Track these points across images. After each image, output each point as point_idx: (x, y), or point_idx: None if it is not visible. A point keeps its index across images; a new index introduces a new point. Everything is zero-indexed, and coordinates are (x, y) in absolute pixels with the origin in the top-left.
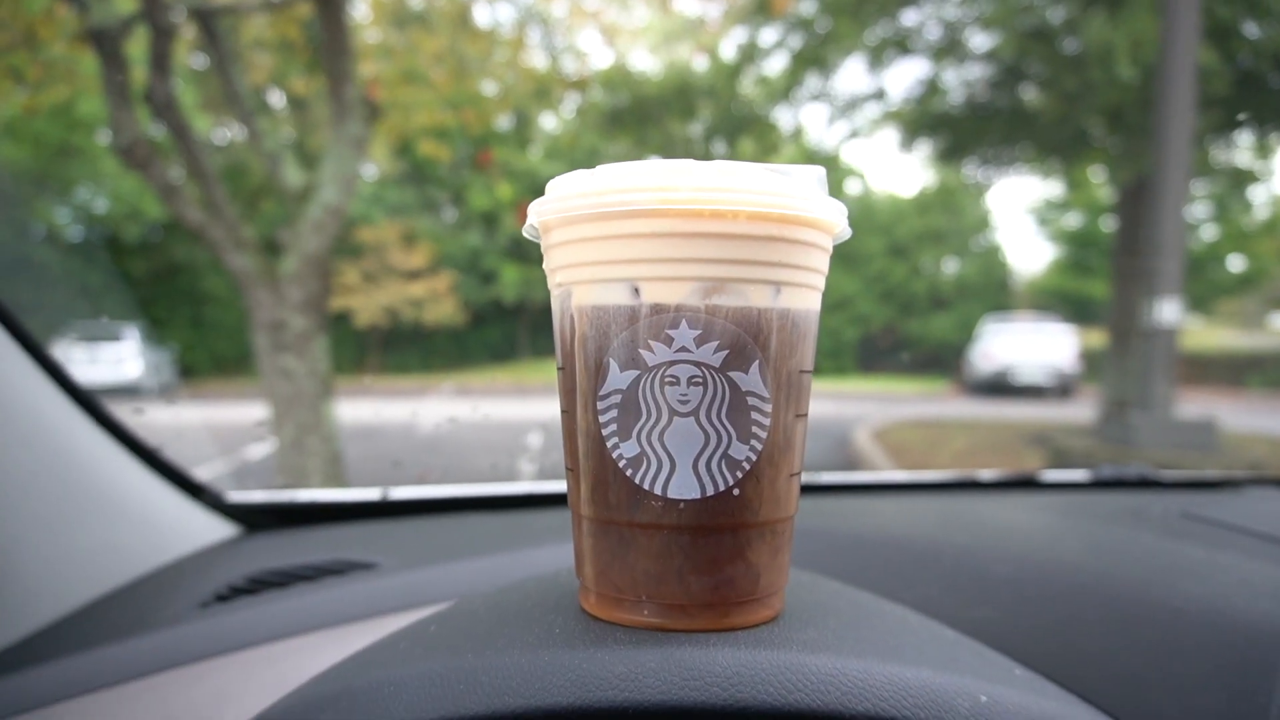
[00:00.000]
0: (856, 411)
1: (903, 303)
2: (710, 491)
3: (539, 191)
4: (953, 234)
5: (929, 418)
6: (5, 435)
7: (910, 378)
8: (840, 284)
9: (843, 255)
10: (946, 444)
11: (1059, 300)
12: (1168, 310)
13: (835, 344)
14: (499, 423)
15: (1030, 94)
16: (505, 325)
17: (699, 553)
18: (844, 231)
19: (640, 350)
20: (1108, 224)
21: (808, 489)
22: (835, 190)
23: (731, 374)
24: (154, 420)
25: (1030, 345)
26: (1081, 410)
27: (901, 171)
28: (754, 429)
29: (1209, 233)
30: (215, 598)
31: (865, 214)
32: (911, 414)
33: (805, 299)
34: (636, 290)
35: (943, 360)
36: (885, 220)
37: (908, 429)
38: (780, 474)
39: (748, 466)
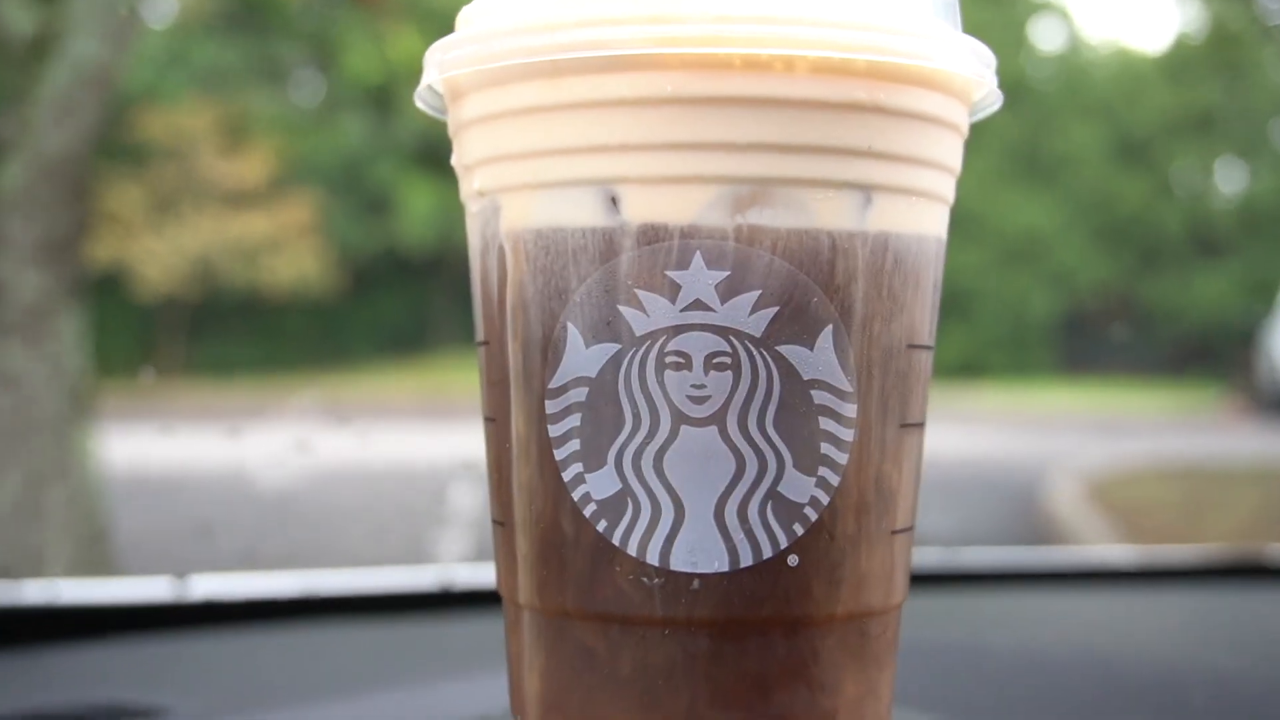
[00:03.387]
0: (1054, 446)
1: (1141, 248)
2: (747, 560)
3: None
4: (1235, 120)
5: (1189, 459)
6: None
7: (1153, 384)
8: (1018, 210)
9: (1023, 157)
10: (1223, 508)
11: None
12: None
13: (1012, 322)
14: (399, 464)
15: None
16: (411, 293)
17: (727, 671)
18: (991, 98)
19: (621, 308)
20: None
21: (954, 577)
22: (998, 30)
23: (784, 349)
24: None
25: None
26: None
27: (1141, 9)
28: (825, 449)
29: None
30: None
31: (1070, 83)
32: (1157, 452)
33: (919, 218)
34: (614, 201)
35: (1214, 352)
36: (1108, 96)
37: (1150, 481)
38: (875, 529)
39: (814, 516)
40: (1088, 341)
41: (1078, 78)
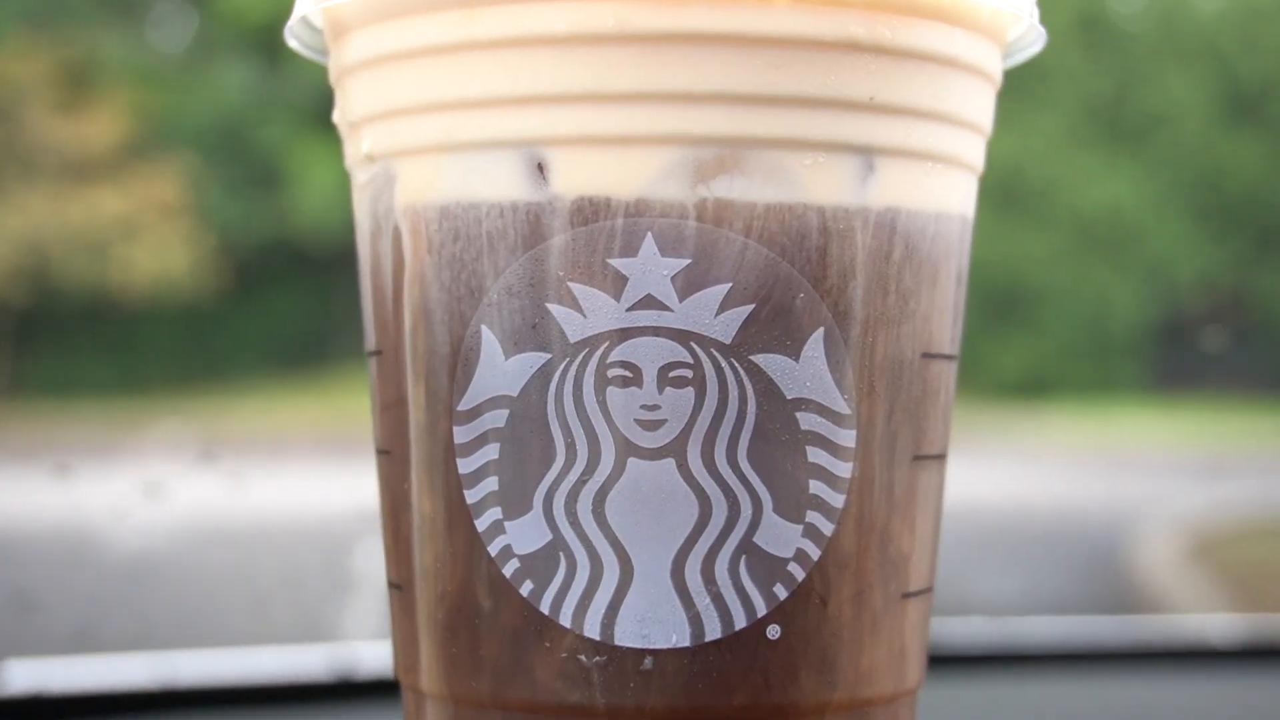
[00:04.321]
0: (1143, 490)
1: (1257, 232)
2: (714, 632)
3: None
4: None
5: None
6: None
7: (1272, 408)
8: (1097, 184)
9: (1105, 116)
10: None
11: None
12: None
13: (1089, 328)
14: (289, 515)
15: None
16: (309, 293)
17: None
18: (1030, 35)
19: (551, 307)
20: None
21: (1005, 657)
22: None
23: (761, 360)
24: None
25: None
26: None
27: None
28: (814, 488)
29: None
30: None
31: (1166, 21)
32: (1277, 498)
33: (936, 190)
34: (541, 168)
35: None
36: (1215, 37)
37: (1270, 536)
38: (881, 593)
39: (800, 575)
40: (1188, 353)
41: (1176, 13)
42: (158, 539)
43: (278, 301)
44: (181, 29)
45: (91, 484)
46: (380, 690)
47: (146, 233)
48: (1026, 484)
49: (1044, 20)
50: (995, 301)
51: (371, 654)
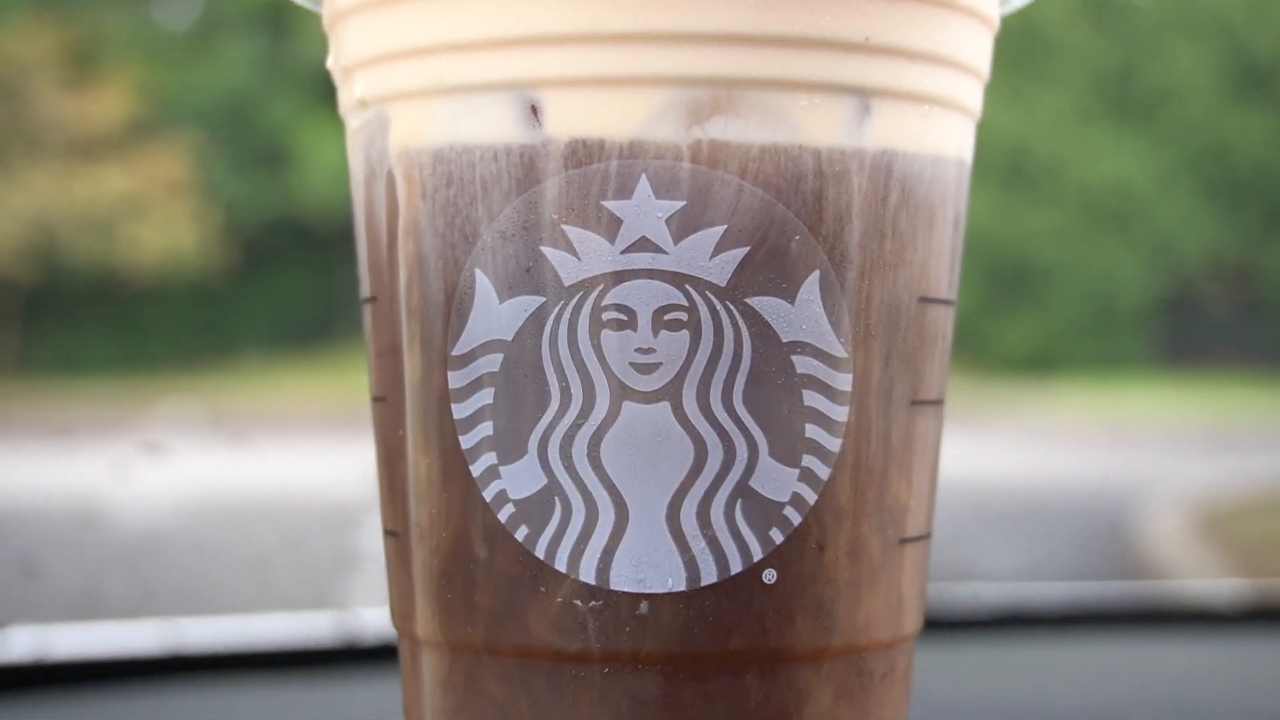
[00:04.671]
0: (1150, 464)
1: (1265, 207)
2: (710, 576)
3: None
4: None
5: None
6: None
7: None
8: (1105, 159)
9: (1113, 89)
10: None
11: None
12: None
13: (1096, 303)
14: (295, 487)
15: None
16: (314, 270)
17: None
18: None
19: (545, 250)
20: None
21: (1012, 619)
22: None
23: (757, 303)
24: None
25: None
26: None
27: None
28: (810, 432)
29: None
30: None
31: None
32: None
33: (933, 133)
34: (535, 110)
35: None
36: (1223, 10)
37: (1275, 511)
38: (878, 538)
39: (797, 519)
40: (1194, 328)
41: None
42: (163, 511)
43: (283, 279)
44: (187, 6)
45: (96, 457)
46: (386, 655)
47: (153, 211)
48: (1033, 459)
49: None
50: (1002, 277)
51: (377, 620)
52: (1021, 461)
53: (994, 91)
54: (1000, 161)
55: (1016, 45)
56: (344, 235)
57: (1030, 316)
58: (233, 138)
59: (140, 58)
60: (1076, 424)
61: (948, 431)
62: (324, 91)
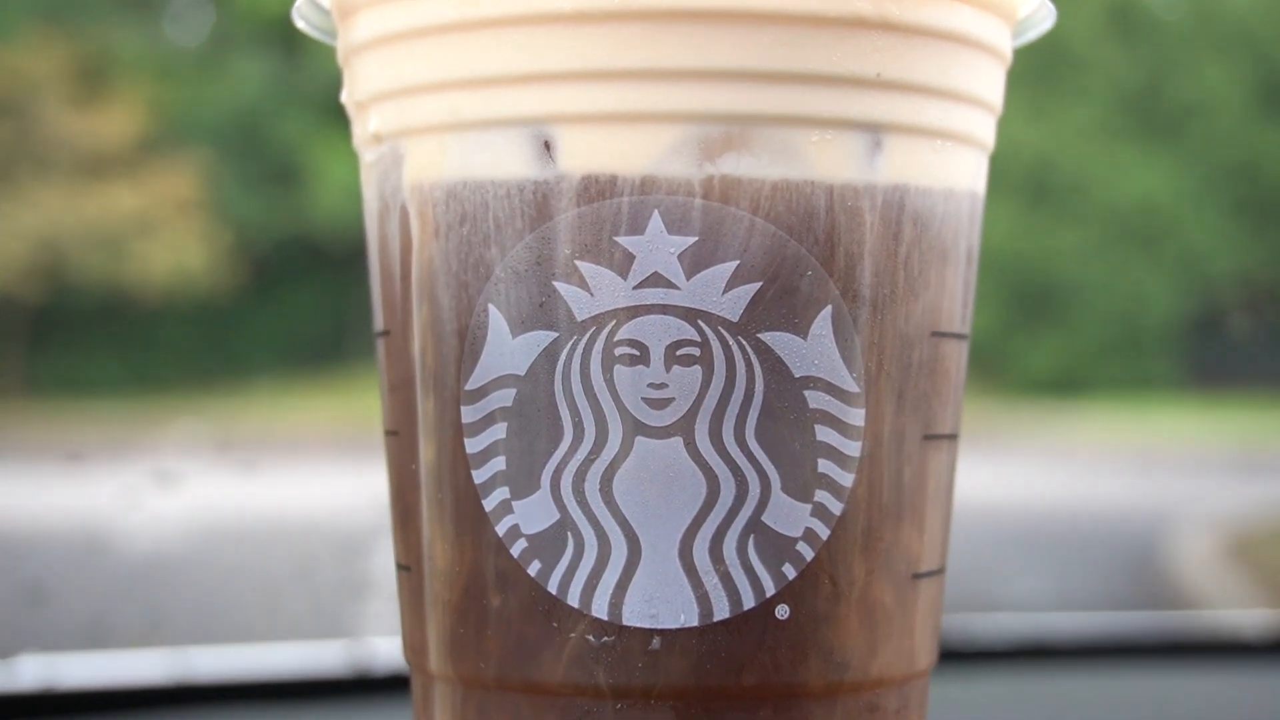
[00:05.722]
0: (1180, 489)
1: None
2: (723, 611)
3: None
4: None
5: None
6: None
7: None
8: (1131, 177)
9: (1139, 106)
10: None
11: None
12: None
13: (1123, 324)
14: (307, 513)
15: None
16: (327, 290)
17: None
18: (1041, 13)
19: (558, 285)
20: None
21: (1034, 651)
22: None
23: (769, 338)
24: None
25: None
26: None
27: None
28: (823, 467)
29: None
30: None
31: (1200, 10)
32: None
33: (945, 167)
34: (548, 146)
35: None
36: (1250, 26)
37: None
38: (892, 572)
39: (810, 554)
40: (1224, 349)
41: (1211, 1)
42: (173, 537)
43: (294, 299)
44: (198, 23)
45: (105, 481)
46: (398, 685)
47: (162, 229)
48: (1059, 482)
49: (1077, 9)
50: (1027, 297)
51: (388, 650)
52: (1046, 485)
53: (1017, 107)
54: (1024, 178)
55: (1040, 60)
56: (356, 254)
57: (1055, 337)
58: (243, 155)
59: (150, 74)
60: (1102, 446)
61: (969, 454)
62: (336, 109)
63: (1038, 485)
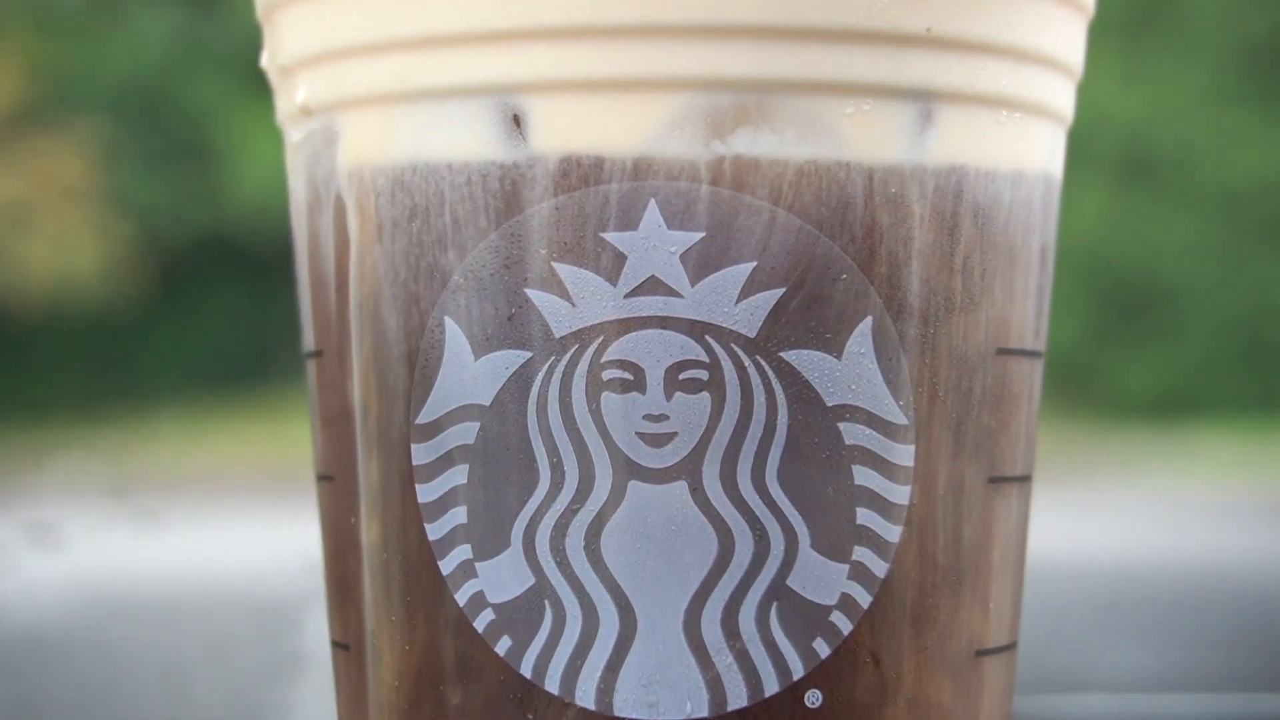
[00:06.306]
0: None
1: None
2: (739, 699)
3: None
4: None
5: None
6: None
7: None
8: (1255, 152)
9: (1263, 64)
10: None
11: None
12: None
13: (1246, 333)
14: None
15: None
16: (248, 296)
17: None
18: None
19: (531, 293)
20: None
21: None
22: None
23: (795, 358)
24: None
25: None
26: None
27: None
28: (863, 518)
29: None
30: None
31: None
32: None
33: (1012, 144)
34: (518, 120)
35: None
36: None
37: None
38: (950, 649)
39: (847, 627)
40: None
41: None
42: (53, 607)
43: (209, 307)
44: None
45: None
46: None
47: (44, 221)
48: (1164, 531)
49: None
50: (1122, 301)
51: None
52: (1149, 535)
53: (1106, 67)
54: (1116, 156)
55: (1135, 10)
56: (285, 253)
57: (1157, 350)
58: (146, 129)
59: (30, 30)
60: (1219, 486)
61: (1052, 497)
62: (258, 72)
63: (1137, 535)
